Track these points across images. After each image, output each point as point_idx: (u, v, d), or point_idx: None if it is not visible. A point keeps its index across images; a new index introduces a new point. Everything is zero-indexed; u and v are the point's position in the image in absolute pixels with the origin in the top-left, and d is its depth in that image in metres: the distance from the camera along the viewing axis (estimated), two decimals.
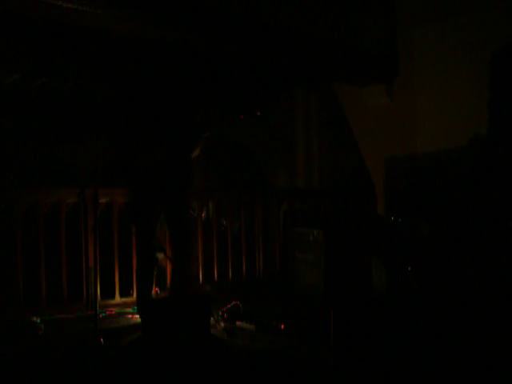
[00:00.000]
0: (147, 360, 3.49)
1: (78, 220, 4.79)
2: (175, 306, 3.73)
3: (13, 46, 5.35)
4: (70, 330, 4.27)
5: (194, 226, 5.40)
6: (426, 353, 3.46)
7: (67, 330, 4.28)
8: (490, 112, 4.34)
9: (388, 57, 6.58)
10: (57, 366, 3.46)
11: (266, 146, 8.04)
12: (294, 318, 4.35)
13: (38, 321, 4.19)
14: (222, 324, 4.25)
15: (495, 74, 4.38)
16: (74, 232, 4.81)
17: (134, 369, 3.39)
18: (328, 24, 5.87)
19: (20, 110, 6.61)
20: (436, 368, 3.23)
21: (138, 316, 4.29)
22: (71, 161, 6.93)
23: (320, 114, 7.81)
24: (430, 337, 3.74)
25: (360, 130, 7.08)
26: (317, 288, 5.06)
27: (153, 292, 4.54)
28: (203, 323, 3.78)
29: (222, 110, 6.62)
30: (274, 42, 5.45)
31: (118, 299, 4.95)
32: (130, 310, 4.78)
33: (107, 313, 4.72)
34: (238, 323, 4.29)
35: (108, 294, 4.87)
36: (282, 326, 4.09)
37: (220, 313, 4.40)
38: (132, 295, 4.85)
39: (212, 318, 4.08)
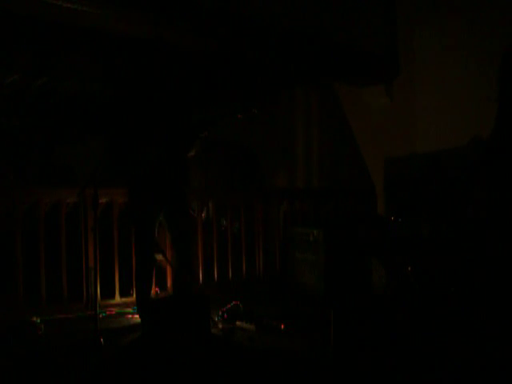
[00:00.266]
0: (147, 360, 3.49)
1: (78, 220, 4.79)
2: (175, 306, 3.72)
3: (13, 45, 5.35)
4: (70, 329, 4.27)
5: (194, 226, 5.40)
6: (426, 352, 3.46)
7: (67, 329, 4.28)
8: (499, 109, 4.31)
9: (388, 57, 6.58)
10: (57, 366, 3.46)
11: (265, 145, 8.04)
12: (294, 317, 4.36)
13: (38, 321, 4.19)
14: (222, 324, 4.25)
15: (506, 72, 4.36)
16: (74, 232, 4.81)
17: (134, 369, 3.39)
18: (328, 24, 5.87)
19: (20, 109, 6.61)
20: (436, 368, 3.23)
21: (138, 316, 4.28)
22: (71, 161, 6.93)
23: (320, 114, 7.81)
24: (430, 336, 3.74)
25: (360, 130, 7.07)
26: (317, 288, 5.06)
27: (153, 292, 4.54)
28: (203, 323, 3.77)
29: (220, 109, 6.62)
30: (273, 41, 5.45)
31: (118, 299, 4.95)
32: (129, 310, 4.79)
33: (107, 313, 4.73)
34: (238, 323, 4.29)
35: (108, 293, 4.87)
36: (282, 326, 4.10)
37: (220, 313, 4.40)
38: (132, 295, 4.85)
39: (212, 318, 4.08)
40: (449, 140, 5.92)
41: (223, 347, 3.79)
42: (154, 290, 4.89)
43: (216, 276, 5.61)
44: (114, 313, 4.78)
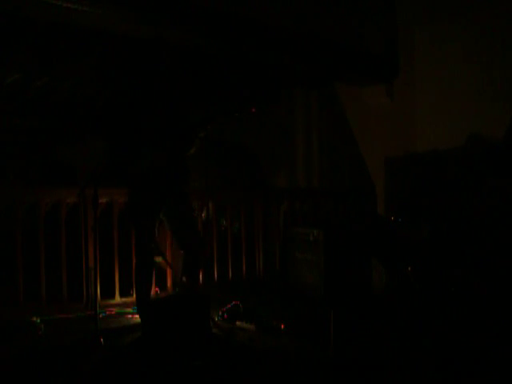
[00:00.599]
0: (147, 360, 3.49)
1: (78, 220, 4.79)
2: (175, 306, 3.73)
3: (13, 45, 5.36)
4: (70, 329, 4.27)
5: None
6: (426, 352, 3.46)
7: (67, 329, 4.28)
8: None
9: (388, 57, 6.58)
10: (57, 366, 3.46)
11: (265, 145, 8.04)
12: (294, 318, 4.36)
13: (38, 321, 4.19)
14: (222, 324, 4.25)
15: None
16: (74, 232, 4.80)
17: (134, 369, 3.39)
18: (328, 24, 5.88)
19: (20, 109, 6.62)
20: (436, 367, 3.24)
21: (138, 316, 4.28)
22: (72, 161, 6.94)
23: (320, 113, 7.81)
24: (430, 336, 3.74)
25: (360, 130, 7.08)
26: (317, 288, 5.06)
27: (153, 292, 4.54)
28: (203, 323, 3.77)
29: (220, 109, 6.62)
30: (273, 41, 5.46)
31: (118, 299, 4.95)
32: (129, 310, 4.78)
33: (107, 313, 4.72)
34: (238, 323, 4.30)
35: (108, 293, 4.87)
36: (282, 326, 4.09)
37: (220, 313, 4.40)
38: (132, 295, 4.84)
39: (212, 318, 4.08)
40: (449, 140, 5.93)
41: (223, 347, 3.79)
42: (154, 290, 4.89)
43: (216, 276, 5.61)
44: (113, 313, 4.78)
